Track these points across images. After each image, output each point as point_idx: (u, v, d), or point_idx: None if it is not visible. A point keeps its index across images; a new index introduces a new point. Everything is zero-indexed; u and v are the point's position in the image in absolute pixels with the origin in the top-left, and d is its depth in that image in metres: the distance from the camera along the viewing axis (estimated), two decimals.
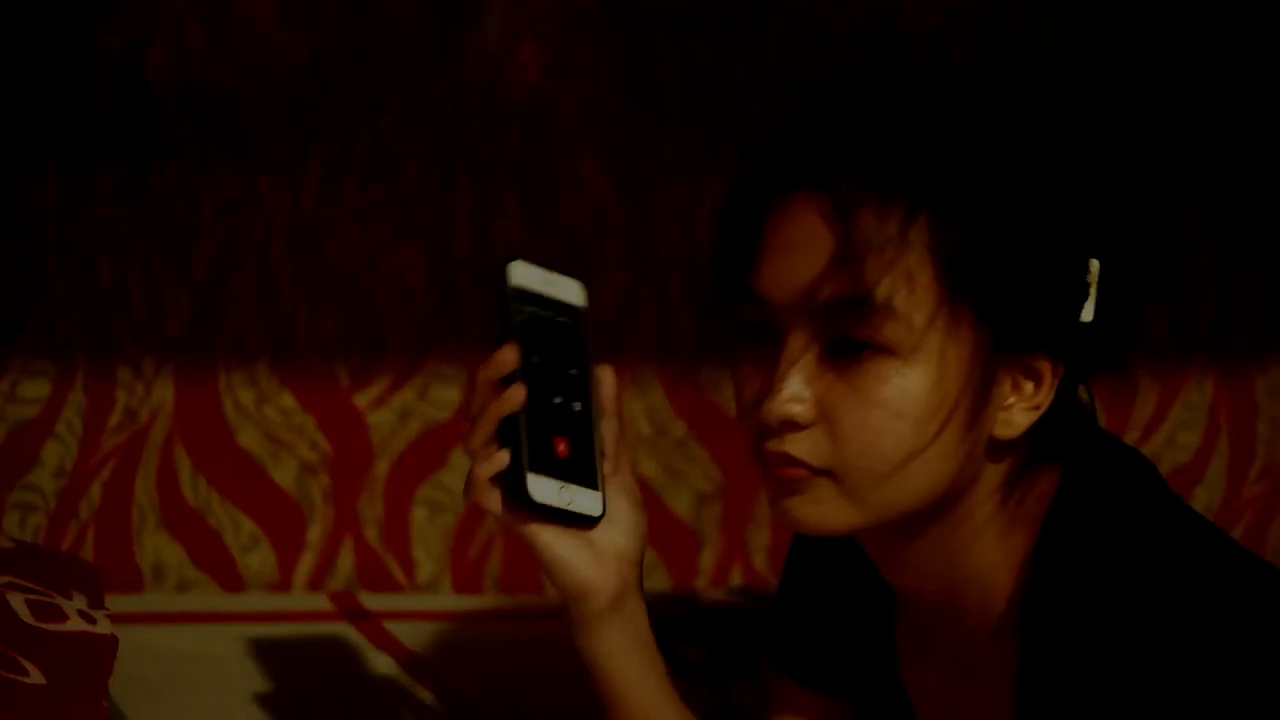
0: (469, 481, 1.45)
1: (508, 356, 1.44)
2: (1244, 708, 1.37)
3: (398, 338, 2.29)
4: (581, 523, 1.46)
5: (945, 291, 1.37)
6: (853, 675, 1.64)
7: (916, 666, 1.59)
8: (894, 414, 1.38)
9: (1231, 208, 2.56)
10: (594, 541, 1.47)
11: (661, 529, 2.33)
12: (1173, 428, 2.59)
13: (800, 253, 1.39)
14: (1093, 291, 1.43)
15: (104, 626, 1.53)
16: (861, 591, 1.61)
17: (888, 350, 1.37)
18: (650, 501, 2.37)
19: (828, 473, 1.40)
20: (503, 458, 1.43)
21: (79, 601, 1.57)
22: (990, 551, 1.47)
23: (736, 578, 2.44)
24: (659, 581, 2.39)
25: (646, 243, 2.36)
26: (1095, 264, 1.42)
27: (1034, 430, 1.43)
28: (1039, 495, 1.46)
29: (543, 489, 1.43)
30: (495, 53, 2.28)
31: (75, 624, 1.53)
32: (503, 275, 1.47)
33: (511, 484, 1.43)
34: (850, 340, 1.38)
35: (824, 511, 1.42)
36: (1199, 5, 2.51)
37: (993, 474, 1.45)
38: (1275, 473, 2.64)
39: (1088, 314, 1.43)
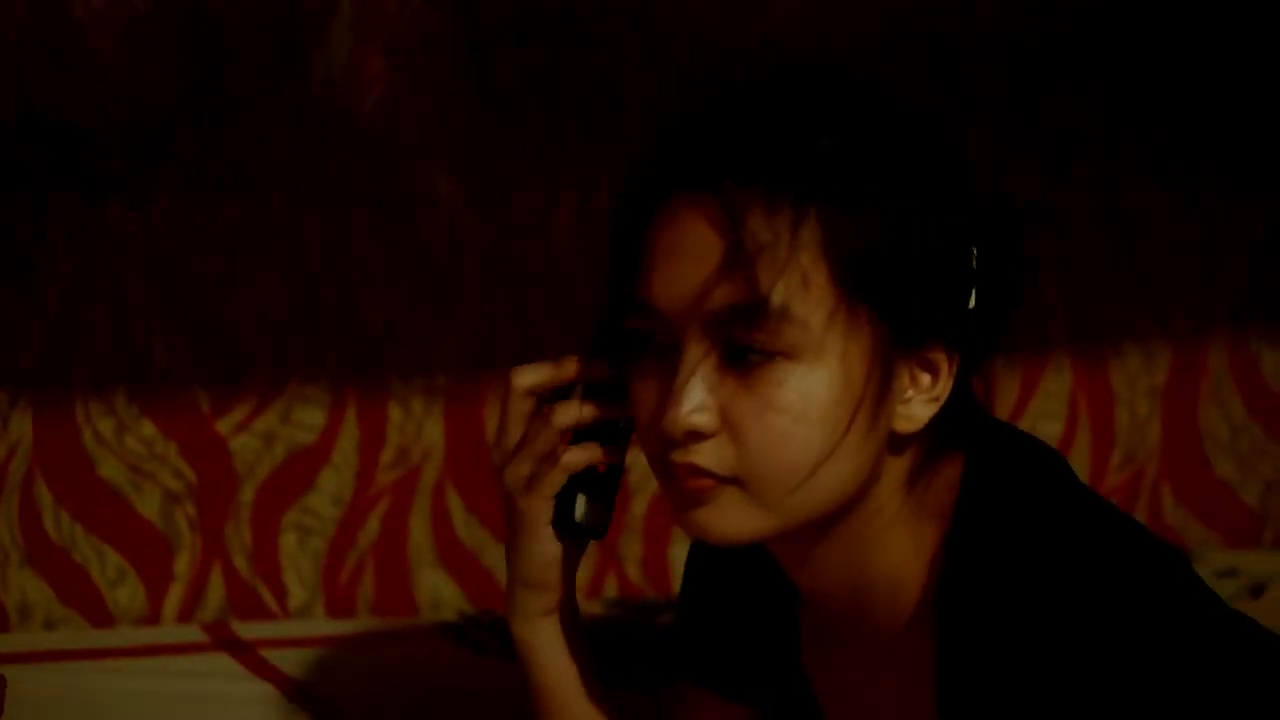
0: (525, 477, 1.48)
1: (598, 369, 1.47)
2: (1158, 685, 1.38)
3: (256, 360, 2.26)
4: (586, 535, 1.51)
5: (841, 289, 1.37)
6: (759, 678, 1.63)
7: (823, 667, 1.58)
8: (797, 418, 1.37)
9: (1080, 193, 2.59)
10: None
11: None
12: (1034, 419, 2.61)
13: (690, 260, 1.38)
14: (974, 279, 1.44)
15: None
16: (763, 593, 1.60)
17: (787, 354, 1.37)
18: None
19: (734, 480, 1.39)
20: (569, 464, 1.48)
21: None
22: (898, 546, 1.46)
23: (611, 589, 2.43)
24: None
25: (503, 255, 2.35)
26: (974, 251, 1.43)
27: (934, 422, 1.43)
28: (944, 486, 1.46)
29: (582, 508, 1.50)
30: (342, 70, 2.26)
31: None
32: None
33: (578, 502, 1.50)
34: (748, 347, 1.37)
35: (732, 520, 1.41)
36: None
37: (896, 468, 1.44)
38: (1135, 461, 2.67)
39: (972, 301, 1.44)
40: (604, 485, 1.51)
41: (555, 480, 1.48)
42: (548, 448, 1.48)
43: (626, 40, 2.36)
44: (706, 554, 1.63)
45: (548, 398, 1.49)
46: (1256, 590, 2.36)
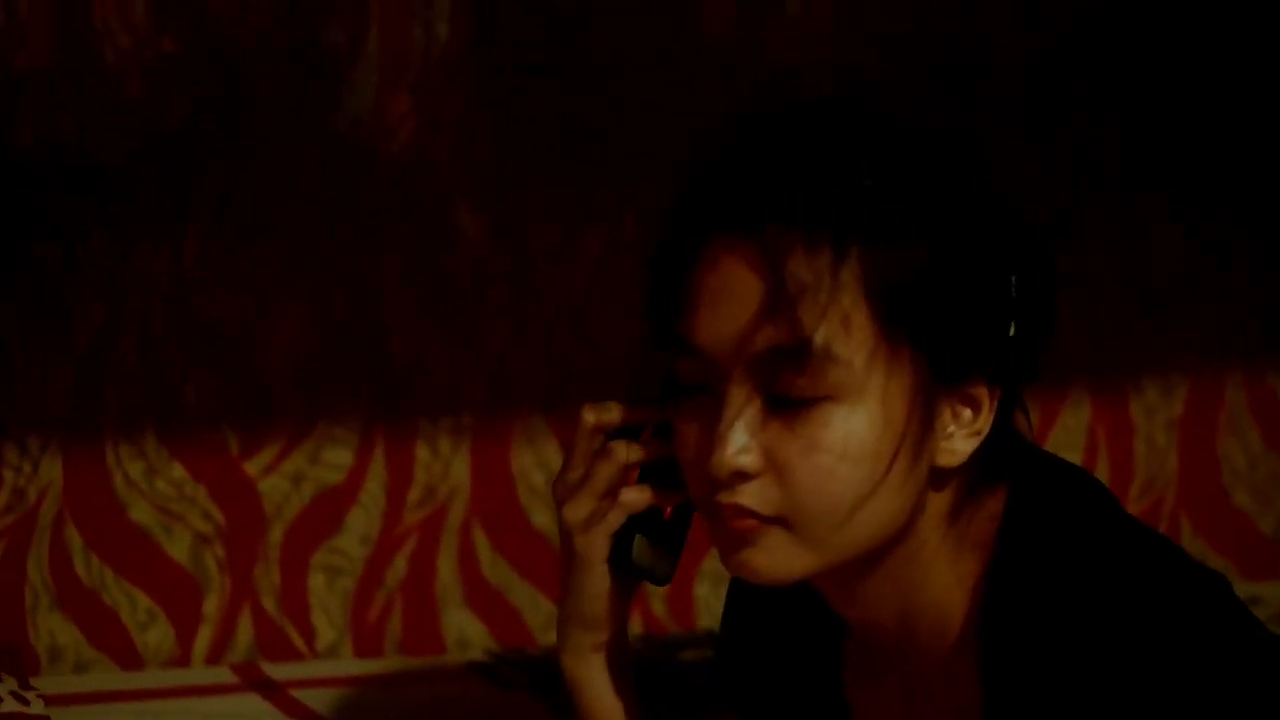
0: (585, 515, 1.48)
1: (657, 412, 1.47)
2: (1203, 710, 1.39)
3: (285, 401, 2.26)
4: (649, 580, 1.52)
5: (882, 328, 1.37)
6: (801, 711, 1.63)
7: (867, 699, 1.58)
8: (840, 457, 1.38)
9: (1096, 225, 2.61)
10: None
11: None
12: (1053, 450, 2.60)
13: (732, 302, 1.39)
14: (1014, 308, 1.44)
15: (37, 708, 1.51)
16: (806, 624, 1.60)
17: (830, 396, 1.37)
18: (549, 555, 2.37)
19: (779, 520, 1.40)
20: (630, 504, 1.48)
21: (10, 684, 1.53)
22: (942, 577, 1.47)
23: (636, 625, 2.43)
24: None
25: (527, 290, 2.35)
26: (1014, 279, 1.44)
27: (976, 455, 1.44)
28: (987, 516, 1.46)
29: (641, 549, 1.51)
30: (369, 109, 2.27)
31: (10, 705, 1.50)
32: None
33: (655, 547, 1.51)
34: (792, 388, 1.38)
35: (778, 560, 1.42)
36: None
37: (939, 502, 1.45)
38: (1154, 491, 2.68)
39: (1011, 331, 1.44)
40: (670, 530, 1.52)
41: (614, 519, 1.49)
42: (608, 485, 1.49)
43: (647, 74, 2.37)
44: (748, 586, 1.63)
45: (613, 437, 1.50)
46: None
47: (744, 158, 1.42)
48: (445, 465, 2.33)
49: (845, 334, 1.37)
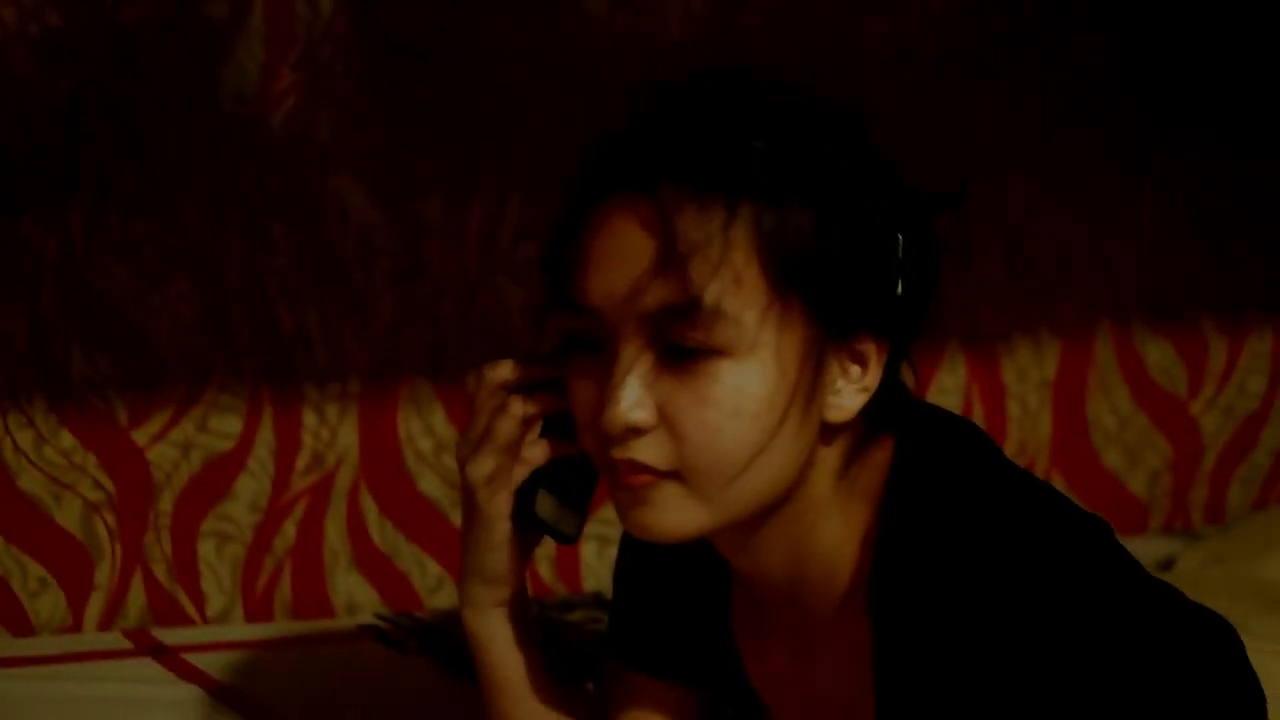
0: (487, 472, 1.51)
1: (555, 368, 1.49)
2: (1090, 651, 1.44)
3: (173, 370, 2.28)
4: (554, 537, 1.55)
5: (774, 285, 1.40)
6: (694, 660, 1.67)
7: (757, 649, 1.62)
8: (732, 412, 1.41)
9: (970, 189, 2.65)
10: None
11: (452, 545, 2.34)
12: None
13: (625, 260, 1.41)
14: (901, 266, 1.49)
15: None
16: (697, 576, 1.64)
17: (721, 351, 1.40)
18: (436, 520, 2.40)
19: (675, 474, 1.43)
20: (532, 459, 1.51)
21: None
22: (832, 527, 1.51)
23: None
24: (447, 598, 2.40)
25: (412, 263, 2.38)
26: (900, 239, 1.48)
27: (865, 409, 1.47)
28: (875, 467, 1.50)
29: (545, 505, 1.53)
30: (252, 83, 2.28)
31: None
32: None
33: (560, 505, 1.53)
34: (683, 344, 1.40)
35: (674, 517, 1.44)
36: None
37: (829, 456, 1.49)
38: (1027, 452, 2.73)
39: (899, 288, 1.48)
40: (576, 489, 1.55)
41: (517, 475, 1.52)
42: (508, 441, 1.51)
43: (534, 53, 2.40)
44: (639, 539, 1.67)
45: (513, 393, 1.53)
46: (1165, 564, 2.41)
47: (639, 122, 1.44)
48: (332, 432, 2.35)
49: (736, 291, 1.39)
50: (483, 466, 1.52)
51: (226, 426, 2.31)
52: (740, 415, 1.41)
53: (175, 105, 2.25)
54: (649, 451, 1.42)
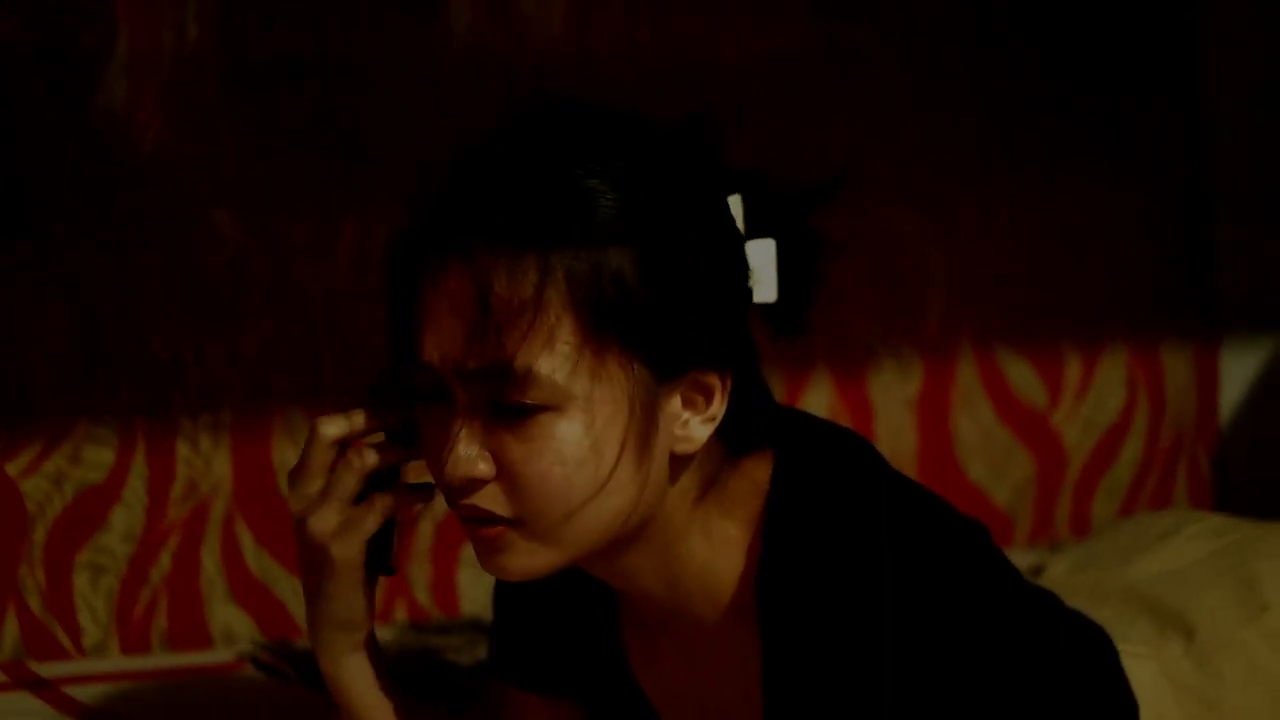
0: (334, 525, 1.52)
1: (394, 418, 1.52)
2: (972, 651, 1.48)
3: (44, 401, 2.26)
4: (387, 573, 1.57)
5: (588, 339, 1.43)
6: (581, 675, 1.69)
7: (647, 660, 1.64)
8: (558, 461, 1.44)
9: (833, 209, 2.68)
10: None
11: None
12: None
13: (449, 321, 1.44)
14: (773, 271, 1.51)
15: None
16: (581, 591, 1.66)
17: (545, 407, 1.43)
18: None
19: (517, 521, 1.47)
20: (385, 507, 1.53)
21: None
22: (699, 547, 1.53)
23: (401, 614, 2.46)
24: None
25: (284, 284, 2.37)
26: (771, 244, 1.50)
27: (722, 433, 1.50)
28: (752, 483, 1.53)
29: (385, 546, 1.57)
30: (120, 108, 2.27)
31: None
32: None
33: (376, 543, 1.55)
34: (507, 403, 1.44)
35: (523, 560, 1.49)
36: None
37: (687, 481, 1.52)
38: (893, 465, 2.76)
39: (769, 295, 1.51)
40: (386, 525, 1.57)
41: (371, 525, 1.53)
42: (353, 493, 1.52)
43: (402, 74, 2.41)
44: None
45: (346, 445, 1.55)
46: (1034, 572, 2.45)
47: (458, 179, 1.46)
48: (206, 461, 2.34)
49: (549, 352, 1.42)
50: (328, 521, 1.53)
51: (99, 458, 2.29)
52: (568, 464, 1.44)
53: (45, 131, 2.23)
54: (490, 500, 1.46)
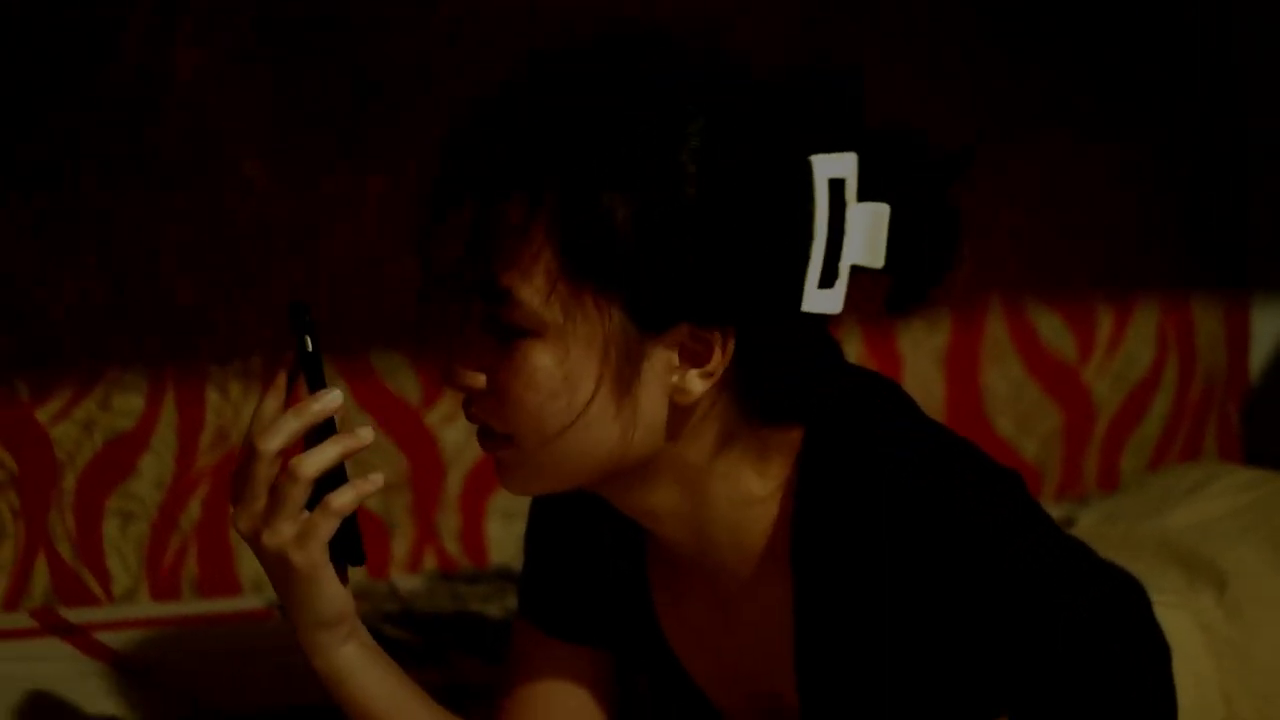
0: (292, 536, 1.50)
1: (333, 401, 1.51)
2: (1010, 600, 1.48)
3: (74, 348, 2.26)
4: (355, 562, 1.54)
5: (564, 275, 1.45)
6: (607, 622, 1.69)
7: (674, 607, 1.65)
8: (530, 387, 1.48)
9: None
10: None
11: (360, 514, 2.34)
12: None
13: (453, 243, 1.48)
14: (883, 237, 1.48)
15: None
16: (609, 536, 1.67)
17: (529, 332, 1.47)
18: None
19: (510, 438, 1.51)
20: (341, 509, 1.50)
21: None
22: (725, 493, 1.55)
23: (430, 563, 2.47)
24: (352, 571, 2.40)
25: (312, 237, 2.37)
26: (885, 210, 1.48)
27: (738, 390, 1.50)
28: (786, 440, 1.54)
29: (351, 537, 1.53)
30: (149, 56, 2.27)
31: None
32: (306, 320, 1.53)
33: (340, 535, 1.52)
34: (495, 321, 1.48)
35: (519, 478, 1.53)
36: None
37: (699, 431, 1.52)
38: None
39: (875, 262, 1.49)
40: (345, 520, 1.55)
41: (327, 530, 1.51)
42: (302, 504, 1.50)
43: (430, 22, 2.40)
44: (551, 498, 1.67)
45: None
46: (1065, 525, 2.45)
47: (478, 118, 1.49)
48: (235, 409, 2.34)
49: (528, 279, 1.45)
50: (285, 532, 1.50)
51: (129, 405, 2.29)
52: (540, 391, 1.48)
53: (72, 80, 2.23)
54: (487, 413, 1.51)
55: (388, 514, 2.44)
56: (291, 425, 1.50)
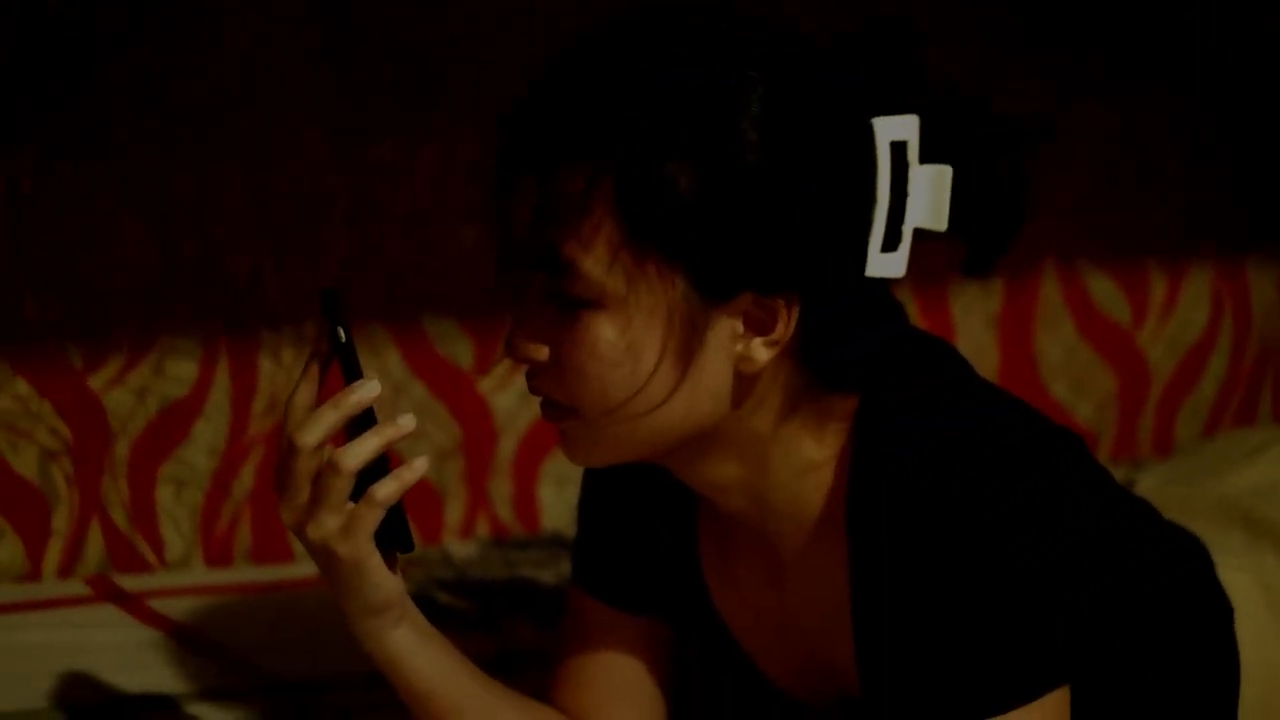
0: (338, 528, 1.48)
1: (371, 391, 1.48)
2: (1071, 561, 1.47)
3: (127, 315, 2.26)
4: (404, 549, 1.52)
5: (627, 245, 1.44)
6: (659, 590, 1.69)
7: (725, 575, 1.65)
8: (593, 357, 1.47)
9: None
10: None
11: None
12: None
13: (520, 214, 1.48)
14: (945, 200, 1.47)
15: None
16: (661, 504, 1.67)
17: (592, 303, 1.46)
18: (394, 459, 2.39)
19: (573, 410, 1.50)
20: (386, 499, 1.48)
21: None
22: (788, 460, 1.54)
23: (483, 529, 2.47)
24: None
25: (365, 204, 2.37)
26: (947, 171, 1.46)
27: (802, 358, 1.50)
28: (842, 408, 1.53)
29: (398, 524, 1.51)
30: (204, 25, 2.26)
31: None
32: (339, 306, 1.51)
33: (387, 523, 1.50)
34: (558, 293, 1.47)
35: (582, 449, 1.53)
36: None
37: (765, 400, 1.51)
38: None
39: (938, 224, 1.47)
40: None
41: (373, 521, 1.49)
42: (346, 496, 1.49)
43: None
44: (603, 468, 1.66)
45: None
46: (1126, 486, 2.44)
47: (539, 89, 1.48)
48: (289, 375, 2.34)
49: (591, 249, 1.44)
50: (330, 524, 1.49)
51: (182, 371, 2.29)
52: (603, 361, 1.47)
53: (127, 51, 2.23)
54: (549, 386, 1.50)
55: (440, 481, 2.44)
56: (330, 418, 1.48)
